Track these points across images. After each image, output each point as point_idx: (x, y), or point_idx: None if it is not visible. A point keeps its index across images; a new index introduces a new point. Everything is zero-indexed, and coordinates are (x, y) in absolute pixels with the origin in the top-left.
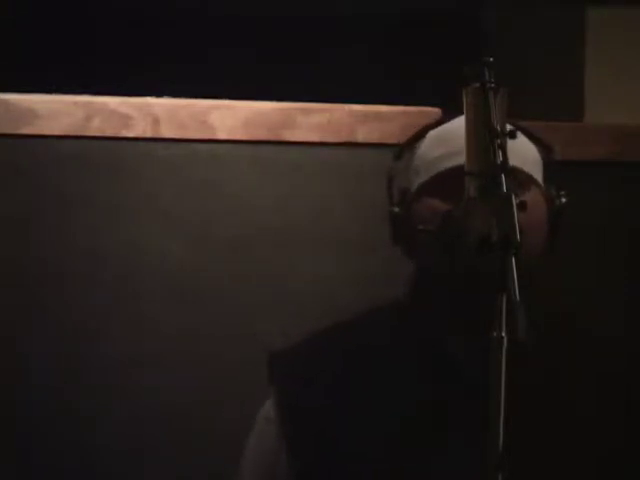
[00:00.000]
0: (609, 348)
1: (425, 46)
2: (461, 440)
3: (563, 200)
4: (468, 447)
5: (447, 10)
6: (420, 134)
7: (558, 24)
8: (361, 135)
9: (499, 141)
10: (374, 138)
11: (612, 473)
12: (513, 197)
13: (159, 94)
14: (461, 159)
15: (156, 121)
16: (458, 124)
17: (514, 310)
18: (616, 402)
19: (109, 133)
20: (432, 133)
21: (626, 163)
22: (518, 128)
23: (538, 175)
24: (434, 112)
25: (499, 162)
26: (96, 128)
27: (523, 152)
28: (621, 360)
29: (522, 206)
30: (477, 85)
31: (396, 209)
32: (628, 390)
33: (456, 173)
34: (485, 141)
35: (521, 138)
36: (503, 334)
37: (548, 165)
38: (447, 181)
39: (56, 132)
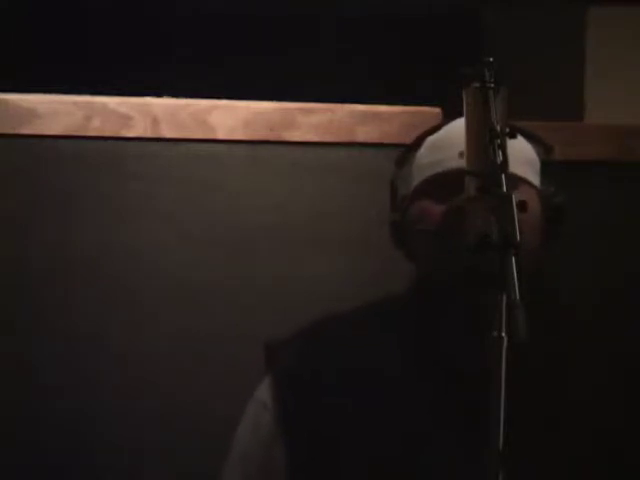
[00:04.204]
0: (609, 348)
1: (425, 46)
2: (459, 438)
3: (559, 200)
4: (466, 445)
5: (447, 10)
6: (419, 140)
7: (558, 24)
8: (361, 135)
9: (499, 141)
10: (374, 138)
11: (612, 472)
12: (513, 197)
13: (159, 94)
14: (450, 165)
15: (156, 121)
16: (450, 129)
17: (514, 310)
18: (616, 402)
19: (109, 133)
20: (429, 139)
21: (626, 163)
22: (516, 128)
23: (533, 175)
24: (434, 112)
25: (499, 162)
26: (96, 128)
27: (516, 152)
28: (621, 360)
29: (522, 206)
30: (477, 85)
31: (395, 215)
32: (628, 390)
33: (445, 177)
34: (485, 141)
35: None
36: (503, 334)
37: (547, 165)
38: (436, 185)
39: (56, 132)
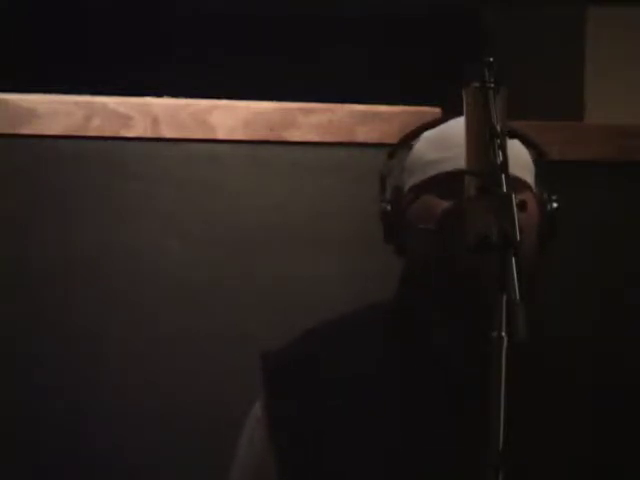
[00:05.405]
0: (609, 348)
1: (425, 46)
2: (459, 439)
3: (555, 205)
4: (466, 446)
5: (447, 10)
6: (415, 134)
7: (558, 23)
8: (361, 135)
9: (499, 141)
10: (374, 138)
11: (612, 472)
12: (513, 196)
13: (159, 94)
14: (457, 164)
15: (156, 121)
16: (453, 127)
17: (514, 310)
18: (616, 401)
19: (109, 133)
20: (427, 134)
21: (626, 163)
22: (510, 131)
23: (529, 178)
24: (434, 112)
25: (499, 161)
26: (96, 128)
27: (514, 155)
28: (621, 360)
29: (522, 206)
30: (477, 85)
31: (388, 207)
32: (628, 390)
33: (452, 177)
34: (485, 141)
35: (512, 141)
36: (503, 334)
37: (541, 168)
38: (442, 183)
39: (56, 132)
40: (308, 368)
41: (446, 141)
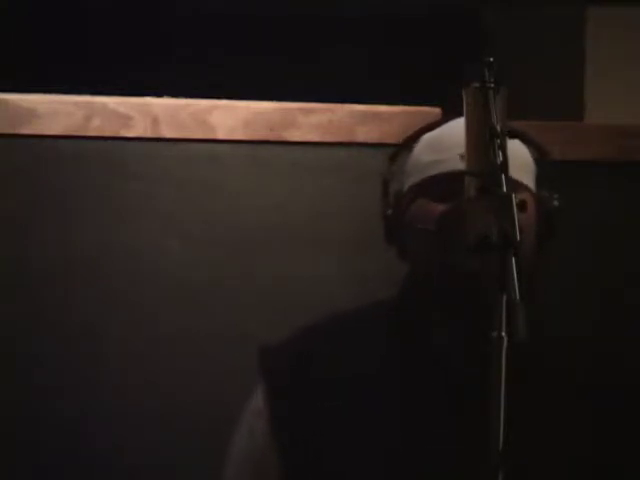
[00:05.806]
0: (609, 348)
1: (425, 46)
2: (459, 440)
3: (555, 203)
4: (466, 446)
5: (447, 10)
6: (415, 137)
7: (558, 23)
8: (361, 135)
9: (499, 141)
10: (374, 138)
11: (610, 472)
12: (513, 197)
13: (159, 94)
14: (454, 165)
15: (156, 121)
16: (451, 128)
17: (514, 310)
18: (616, 401)
19: (109, 133)
20: (425, 137)
21: (626, 163)
22: (511, 130)
23: (528, 178)
24: (434, 112)
25: (499, 162)
26: (96, 128)
27: (510, 156)
28: (621, 360)
29: (522, 206)
30: (477, 85)
31: (389, 211)
32: (628, 390)
33: (447, 178)
34: (485, 141)
35: (509, 141)
36: (503, 334)
37: (542, 167)
38: (440, 184)
39: (56, 132)
40: (308, 366)
41: (443, 143)
